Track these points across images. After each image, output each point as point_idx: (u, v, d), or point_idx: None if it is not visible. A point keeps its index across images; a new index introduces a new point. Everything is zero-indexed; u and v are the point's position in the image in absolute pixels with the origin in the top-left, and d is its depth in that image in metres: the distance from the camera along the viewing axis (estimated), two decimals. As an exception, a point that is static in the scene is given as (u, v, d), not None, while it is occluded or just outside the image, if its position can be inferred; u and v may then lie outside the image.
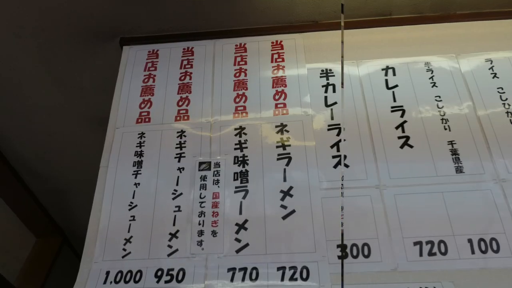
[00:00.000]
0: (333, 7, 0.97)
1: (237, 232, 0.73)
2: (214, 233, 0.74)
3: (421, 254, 0.69)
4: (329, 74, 0.91)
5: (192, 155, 0.82)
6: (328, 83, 0.89)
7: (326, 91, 0.88)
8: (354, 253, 0.69)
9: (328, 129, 0.83)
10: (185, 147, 0.84)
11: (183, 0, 0.96)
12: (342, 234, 0.65)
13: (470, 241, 0.69)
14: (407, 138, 0.80)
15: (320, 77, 0.91)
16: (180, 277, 0.70)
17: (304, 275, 0.68)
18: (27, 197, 1.49)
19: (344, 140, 0.81)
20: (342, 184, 0.67)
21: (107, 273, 0.72)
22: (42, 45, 1.04)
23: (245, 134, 0.84)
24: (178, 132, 0.86)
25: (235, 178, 0.79)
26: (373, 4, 0.97)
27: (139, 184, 0.80)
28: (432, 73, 0.89)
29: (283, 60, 0.94)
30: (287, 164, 0.79)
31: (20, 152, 1.37)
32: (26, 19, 0.98)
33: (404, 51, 0.93)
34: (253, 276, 0.69)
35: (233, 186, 0.78)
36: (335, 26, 0.99)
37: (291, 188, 0.77)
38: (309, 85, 0.89)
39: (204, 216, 0.75)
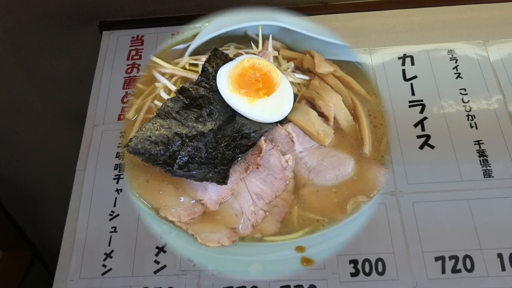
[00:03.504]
0: (345, -14, 0.97)
1: (233, 245, 0.73)
2: (207, 247, 0.74)
3: (443, 271, 0.69)
4: (340, 64, 0.91)
5: (182, 157, 0.82)
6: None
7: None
8: (367, 269, 0.69)
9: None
10: (173, 147, 0.84)
11: (171, -21, 0.96)
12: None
13: (500, 256, 0.69)
14: (428, 137, 0.80)
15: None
16: (168, 297, 0.70)
17: (311, 295, 0.68)
18: (-8, 205, 1.49)
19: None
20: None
21: (85, 292, 0.72)
22: (9, 30, 1.04)
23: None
24: (165, 131, 0.86)
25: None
26: (389, -18, 0.97)
27: (121, 190, 0.80)
28: (456, 62, 0.89)
29: (286, 48, 0.94)
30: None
31: (-16, 153, 1.37)
32: (-11, 0, 0.98)
33: (423, 37, 0.93)
34: (252, 296, 0.69)
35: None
36: (348, 8, 0.99)
37: (295, 194, 0.77)
38: (316, 76, 0.89)
39: (196, 227, 0.75)
